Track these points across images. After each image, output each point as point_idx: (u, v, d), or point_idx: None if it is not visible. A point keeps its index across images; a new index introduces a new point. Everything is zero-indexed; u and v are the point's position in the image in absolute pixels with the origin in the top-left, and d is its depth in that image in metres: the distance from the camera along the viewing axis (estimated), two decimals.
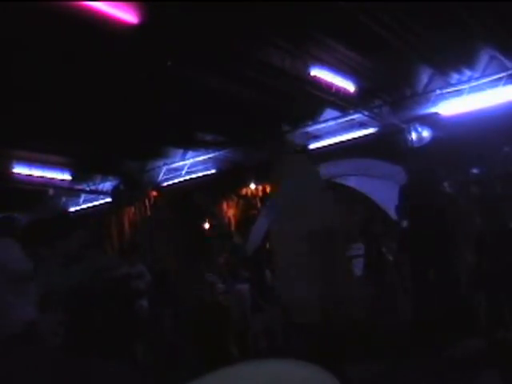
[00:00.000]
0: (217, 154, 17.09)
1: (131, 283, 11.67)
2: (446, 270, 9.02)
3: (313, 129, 16.03)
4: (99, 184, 18.46)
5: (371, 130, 15.48)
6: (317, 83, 12.41)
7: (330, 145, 15.98)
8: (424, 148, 14.47)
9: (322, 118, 15.66)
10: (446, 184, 10.61)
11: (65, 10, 7.93)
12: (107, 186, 18.25)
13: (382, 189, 13.20)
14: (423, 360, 7.50)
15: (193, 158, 17.46)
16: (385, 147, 14.73)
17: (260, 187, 18.72)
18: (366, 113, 14.94)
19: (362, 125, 15.58)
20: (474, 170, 10.65)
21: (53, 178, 16.25)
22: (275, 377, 1.95)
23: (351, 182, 16.27)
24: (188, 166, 17.73)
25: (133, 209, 19.05)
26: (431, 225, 8.82)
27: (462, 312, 8.85)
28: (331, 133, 15.91)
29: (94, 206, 19.20)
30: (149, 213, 18.41)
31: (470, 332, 8.70)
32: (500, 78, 13.35)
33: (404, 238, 9.95)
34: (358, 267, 11.92)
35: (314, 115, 15.57)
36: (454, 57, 12.87)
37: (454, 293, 8.95)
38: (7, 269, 6.19)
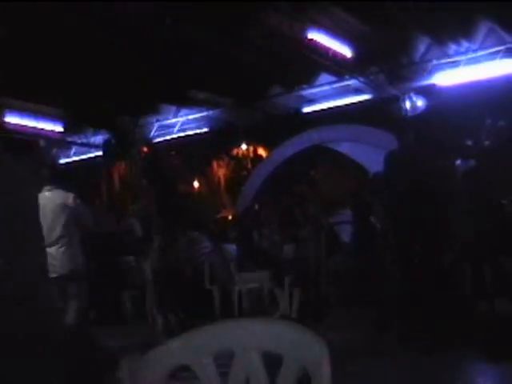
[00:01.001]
0: (210, 113, 17.04)
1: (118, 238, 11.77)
2: (432, 242, 9.07)
3: (307, 92, 15.97)
4: (91, 137, 18.38)
5: (366, 97, 15.45)
6: (313, 47, 12.34)
7: (324, 109, 15.96)
8: (418, 117, 14.46)
9: (317, 82, 15.59)
10: (436, 155, 10.62)
11: None
12: (98, 139, 18.18)
13: (374, 156, 13.20)
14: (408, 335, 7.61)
15: (186, 115, 17.39)
16: (379, 115, 14.72)
17: (251, 148, 18.73)
18: (362, 79, 14.89)
19: (357, 91, 15.54)
20: (467, 142, 10.66)
21: (44, 129, 16.17)
22: (263, 337, 1.98)
23: (344, 148, 16.30)
24: (180, 123, 17.68)
25: (123, 163, 19.03)
26: (417, 195, 8.85)
27: (447, 285, 8.94)
28: (326, 97, 15.87)
29: (85, 159, 19.14)
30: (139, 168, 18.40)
31: (455, 304, 8.80)
32: (497, 51, 13.32)
33: (388, 207, 9.99)
34: (344, 234, 11.99)
35: (309, 79, 15.49)
36: (452, 27, 12.83)
37: (439, 266, 9.01)
38: None
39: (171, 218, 12.15)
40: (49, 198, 6.57)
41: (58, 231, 6.66)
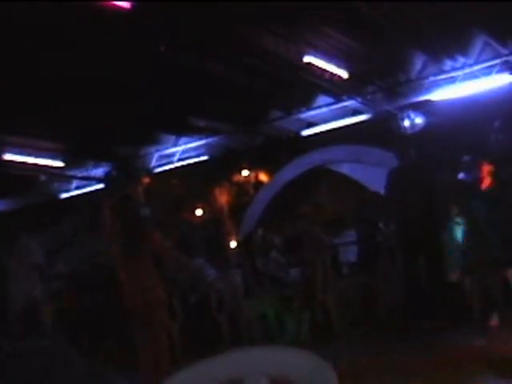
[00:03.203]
0: (209, 140, 17.05)
1: None
2: (436, 257, 9.05)
3: (306, 115, 15.99)
4: (91, 170, 18.37)
5: (364, 117, 15.46)
6: (310, 69, 12.37)
7: (324, 131, 15.97)
8: (417, 135, 14.47)
9: (315, 105, 15.61)
10: (436, 171, 10.63)
11: None
12: (99, 172, 18.17)
13: (375, 175, 13.19)
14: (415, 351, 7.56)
15: (185, 144, 17.40)
16: (378, 134, 14.74)
17: (253, 173, 18.71)
18: (360, 99, 14.91)
19: (355, 111, 15.56)
20: (466, 157, 10.66)
21: (44, 165, 16.17)
22: (272, 364, 1.95)
23: (344, 169, 16.28)
24: (180, 152, 17.68)
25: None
26: (419, 212, 8.83)
27: (453, 299, 8.90)
28: (325, 119, 15.89)
29: (86, 192, 19.12)
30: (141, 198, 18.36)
31: (461, 319, 8.75)
32: (494, 65, 13.33)
33: (394, 225, 9.98)
34: (350, 254, 11.96)
35: (307, 101, 15.52)
36: (447, 43, 12.85)
37: (444, 280, 8.98)
38: None
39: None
40: None
41: None
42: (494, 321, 8.48)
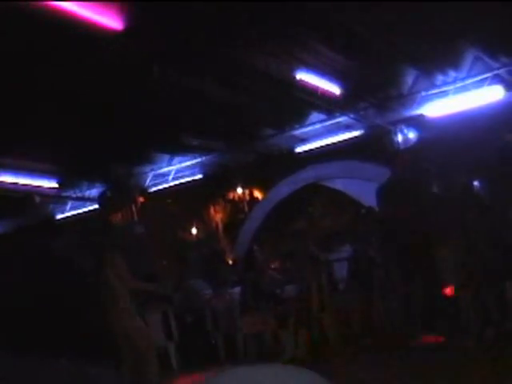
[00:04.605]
0: (203, 158, 17.09)
1: None
2: (431, 271, 9.05)
3: (299, 132, 16.04)
4: (86, 191, 18.37)
5: (357, 133, 15.50)
6: (302, 86, 12.41)
7: (317, 147, 16.02)
8: (409, 149, 14.51)
9: (308, 121, 15.67)
10: (430, 185, 10.65)
11: (50, 16, 7.90)
12: (94, 192, 18.17)
13: (368, 191, 13.21)
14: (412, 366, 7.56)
15: (179, 163, 17.44)
16: (371, 149, 14.78)
17: (247, 191, 18.74)
18: (352, 115, 14.96)
19: (348, 127, 15.61)
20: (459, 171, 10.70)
21: (39, 186, 16.17)
22: (275, 382, 1.94)
23: (338, 185, 16.30)
24: (175, 171, 17.72)
25: (120, 215, 18.99)
26: (412, 227, 8.84)
27: (449, 312, 8.90)
28: (318, 135, 15.94)
29: (81, 212, 19.12)
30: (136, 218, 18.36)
31: (458, 331, 8.75)
32: (485, 79, 13.40)
33: (386, 240, 9.99)
34: (345, 270, 11.94)
35: (300, 118, 15.58)
36: (438, 58, 12.92)
37: (439, 294, 8.98)
38: None
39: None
40: None
41: None
42: (490, 334, 8.48)
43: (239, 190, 18.68)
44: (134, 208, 18.33)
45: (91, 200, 18.27)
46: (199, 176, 17.62)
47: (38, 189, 16.34)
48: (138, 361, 6.77)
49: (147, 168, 17.72)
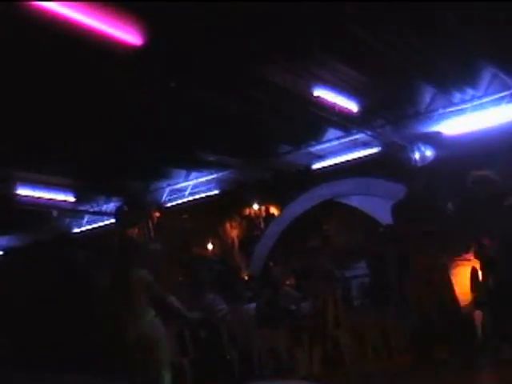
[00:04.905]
0: (220, 174, 17.12)
1: None
2: (446, 288, 8.99)
3: (316, 149, 16.05)
4: (103, 205, 18.45)
5: (374, 150, 15.49)
6: (319, 103, 12.42)
7: (334, 164, 16.02)
8: (426, 167, 14.46)
9: (325, 138, 15.68)
10: (447, 204, 10.59)
11: (70, 32, 7.96)
12: (111, 206, 18.24)
13: (385, 208, 13.18)
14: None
15: (196, 178, 17.49)
16: (388, 166, 14.75)
17: (263, 207, 18.75)
18: (369, 132, 14.94)
19: (365, 144, 15.60)
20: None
21: (56, 200, 16.26)
22: None
23: (354, 202, 16.28)
24: (191, 186, 17.76)
25: (136, 230, 19.00)
26: (427, 245, 8.78)
27: (465, 331, 8.82)
28: (334, 152, 15.95)
29: (97, 227, 19.18)
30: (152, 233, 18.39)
31: (473, 351, 8.67)
32: (503, 97, 13.37)
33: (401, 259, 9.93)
34: (361, 287, 11.91)
35: (317, 135, 15.59)
36: (456, 75, 12.90)
37: (456, 312, 8.91)
38: None
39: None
40: None
41: None
42: (507, 354, 8.39)
43: (255, 207, 18.69)
44: (150, 223, 18.36)
45: (108, 214, 18.33)
46: (215, 192, 17.65)
47: (55, 202, 16.43)
48: (153, 374, 6.73)
49: (164, 183, 17.78)
